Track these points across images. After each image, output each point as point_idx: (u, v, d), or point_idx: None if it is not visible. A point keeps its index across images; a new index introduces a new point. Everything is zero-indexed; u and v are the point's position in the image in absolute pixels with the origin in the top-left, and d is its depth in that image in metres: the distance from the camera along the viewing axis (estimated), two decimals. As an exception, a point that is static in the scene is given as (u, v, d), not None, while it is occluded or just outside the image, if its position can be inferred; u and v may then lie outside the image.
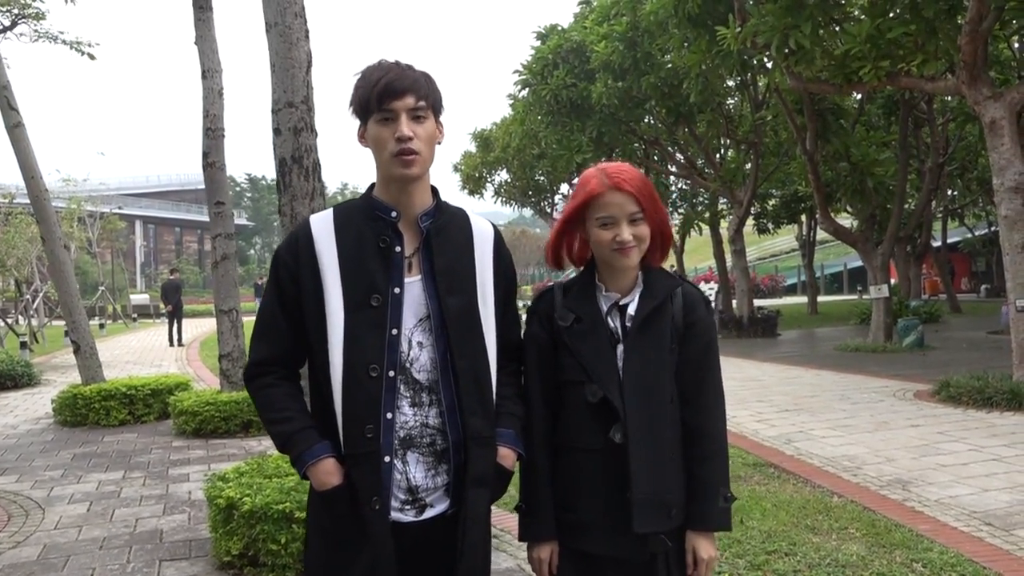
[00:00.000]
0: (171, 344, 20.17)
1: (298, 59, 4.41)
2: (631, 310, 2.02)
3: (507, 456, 1.96)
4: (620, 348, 2.00)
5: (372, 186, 1.95)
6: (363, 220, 1.90)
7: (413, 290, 1.88)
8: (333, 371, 1.82)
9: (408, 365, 1.86)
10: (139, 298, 41.07)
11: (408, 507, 1.86)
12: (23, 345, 15.57)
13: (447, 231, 1.93)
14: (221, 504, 4.05)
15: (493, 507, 1.97)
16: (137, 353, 18.51)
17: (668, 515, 1.96)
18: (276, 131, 4.40)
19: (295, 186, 4.39)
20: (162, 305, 23.47)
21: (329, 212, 1.93)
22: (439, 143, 1.93)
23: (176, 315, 20.80)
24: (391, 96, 1.82)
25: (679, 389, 2.02)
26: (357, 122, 1.92)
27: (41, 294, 23.00)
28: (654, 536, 1.94)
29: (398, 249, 1.88)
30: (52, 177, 28.55)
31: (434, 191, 1.97)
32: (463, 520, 1.84)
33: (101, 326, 27.79)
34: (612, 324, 2.02)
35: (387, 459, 1.83)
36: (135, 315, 35.14)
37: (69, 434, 8.23)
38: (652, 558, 1.96)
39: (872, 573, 3.82)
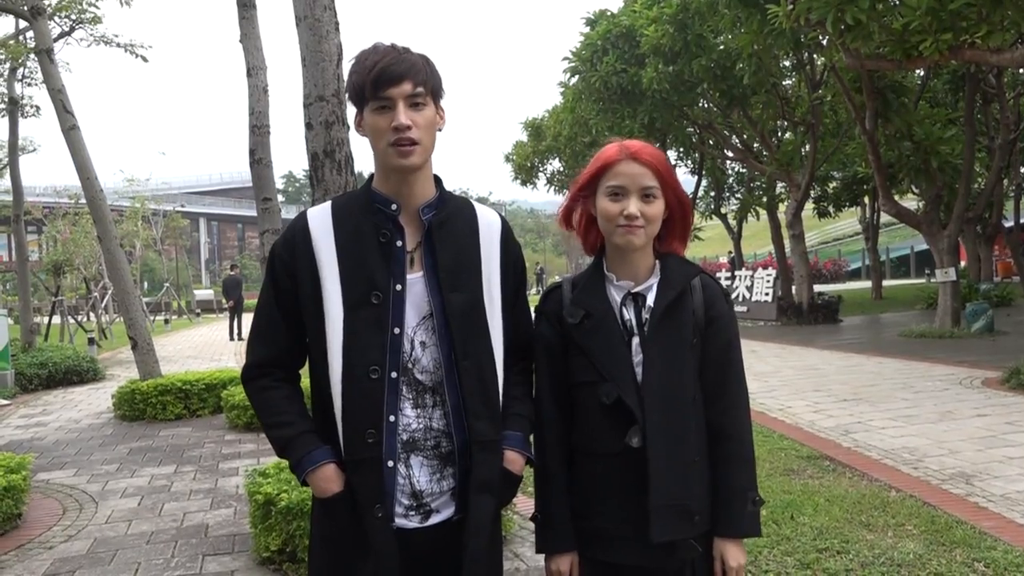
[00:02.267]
0: (231, 339, 20.63)
1: (328, 52, 4.37)
2: (649, 300, 1.88)
3: (515, 460, 1.87)
4: (635, 341, 1.86)
5: (371, 177, 1.86)
6: (362, 213, 1.80)
7: (415, 287, 1.79)
8: (332, 373, 1.74)
9: (410, 366, 1.78)
10: (203, 293, 42.16)
11: (412, 513, 1.78)
12: (91, 341, 16.06)
13: (450, 223, 1.83)
14: (260, 500, 4.06)
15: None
16: (198, 348, 18.97)
17: (691, 521, 1.83)
18: (308, 125, 4.38)
19: (328, 180, 4.36)
20: (224, 300, 24.00)
21: (327, 206, 1.85)
22: (440, 129, 1.82)
23: (236, 310, 21.27)
24: (387, 83, 1.71)
25: (701, 388, 1.89)
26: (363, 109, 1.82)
27: (110, 292, 23.74)
28: (683, 542, 1.83)
29: (399, 243, 1.79)
30: (116, 177, 29.49)
31: (437, 181, 1.87)
32: (466, 529, 1.75)
33: (166, 321, 28.61)
34: (626, 316, 1.88)
35: (390, 463, 1.75)
36: (198, 310, 36.06)
37: (127, 428, 8.44)
38: (680, 565, 1.85)
39: (930, 573, 3.62)
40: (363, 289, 1.75)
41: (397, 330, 1.76)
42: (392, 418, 1.74)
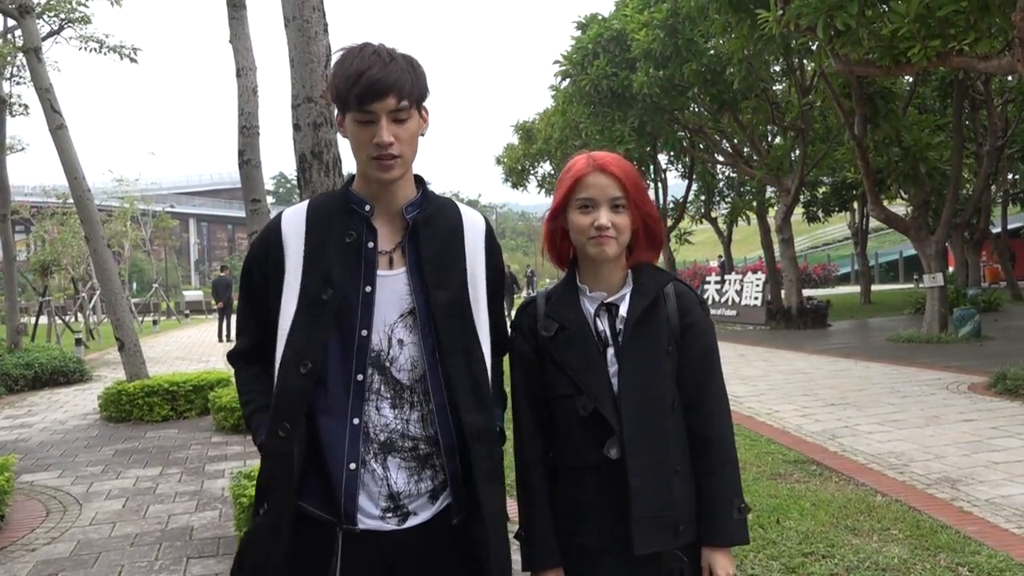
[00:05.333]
0: (220, 340, 20.55)
1: (317, 53, 4.36)
2: (622, 310, 1.88)
3: None
4: (610, 352, 1.85)
5: (352, 177, 1.86)
6: (336, 214, 1.81)
7: (394, 285, 1.78)
8: (276, 366, 1.76)
9: (388, 364, 1.77)
10: (192, 294, 41.93)
11: (390, 515, 1.76)
12: (78, 342, 15.96)
13: (434, 221, 1.83)
14: (245, 502, 4.04)
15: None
16: (186, 349, 18.88)
17: (675, 532, 1.81)
18: (296, 127, 4.36)
19: (316, 182, 4.34)
20: (213, 302, 23.90)
21: (303, 205, 1.85)
22: (423, 134, 1.82)
23: (226, 311, 21.19)
24: (371, 98, 1.69)
25: (681, 396, 1.88)
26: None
27: (97, 292, 23.57)
28: (668, 553, 1.81)
29: (371, 245, 1.78)
30: (105, 177, 29.30)
31: (420, 181, 1.87)
32: (483, 521, 1.74)
33: (155, 322, 28.44)
34: (600, 327, 1.88)
35: (352, 466, 1.74)
36: (187, 311, 35.89)
37: (113, 430, 8.39)
38: None
39: (914, 578, 3.64)
40: (318, 287, 1.75)
41: (365, 332, 1.75)
42: (356, 420, 1.74)
